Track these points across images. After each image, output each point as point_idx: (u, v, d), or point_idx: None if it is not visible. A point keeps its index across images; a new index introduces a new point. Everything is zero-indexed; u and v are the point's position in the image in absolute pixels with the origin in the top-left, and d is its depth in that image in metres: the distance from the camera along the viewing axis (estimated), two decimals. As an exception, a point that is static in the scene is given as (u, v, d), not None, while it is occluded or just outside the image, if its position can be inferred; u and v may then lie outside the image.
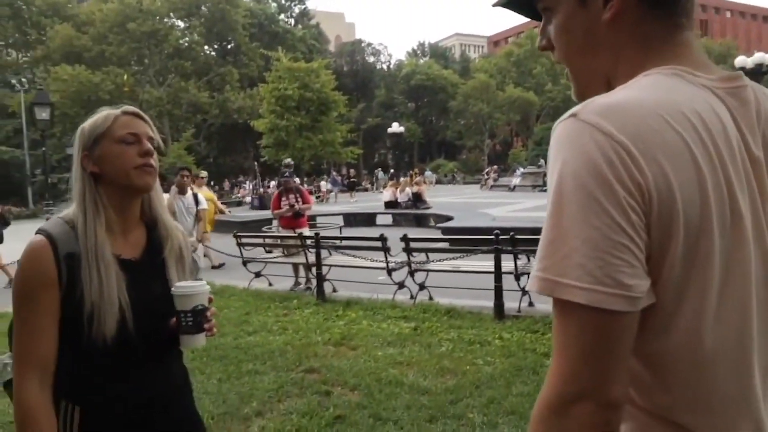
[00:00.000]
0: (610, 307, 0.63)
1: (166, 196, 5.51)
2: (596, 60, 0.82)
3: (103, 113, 1.45)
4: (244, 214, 19.69)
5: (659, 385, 0.71)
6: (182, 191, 8.08)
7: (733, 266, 0.69)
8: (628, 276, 0.64)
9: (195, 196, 8.25)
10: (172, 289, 1.44)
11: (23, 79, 36.23)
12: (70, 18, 37.79)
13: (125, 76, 35.16)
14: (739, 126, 0.72)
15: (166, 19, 38.15)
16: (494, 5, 0.93)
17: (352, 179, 32.62)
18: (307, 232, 8.08)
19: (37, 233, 1.35)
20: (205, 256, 9.62)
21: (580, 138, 0.67)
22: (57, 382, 1.33)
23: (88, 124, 1.44)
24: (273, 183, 36.00)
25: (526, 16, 0.95)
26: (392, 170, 30.86)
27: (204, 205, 8.51)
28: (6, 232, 9.36)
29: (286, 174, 8.53)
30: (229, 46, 43.50)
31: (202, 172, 12.34)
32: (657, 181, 0.65)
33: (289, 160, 11.58)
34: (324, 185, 31.76)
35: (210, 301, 1.45)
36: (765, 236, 0.71)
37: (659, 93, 0.70)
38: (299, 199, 8.20)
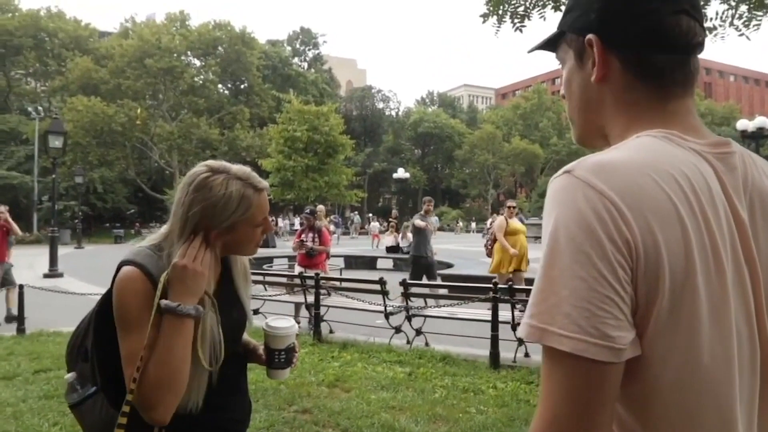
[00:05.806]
0: (594, 356, 0.66)
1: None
2: (592, 116, 0.89)
3: (240, 193, 1.35)
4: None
5: None
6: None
7: (718, 322, 0.70)
8: (612, 328, 0.66)
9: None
10: (268, 329, 1.51)
11: (39, 108, 36.97)
12: (91, 51, 39.02)
13: (139, 110, 35.93)
14: (726, 189, 0.75)
15: (183, 57, 39.25)
16: (529, 51, 1.01)
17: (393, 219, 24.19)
18: (323, 274, 7.93)
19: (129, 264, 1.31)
20: None
21: (573, 193, 0.70)
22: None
23: (220, 202, 1.33)
24: (281, 221, 36.02)
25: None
26: (391, 217, 24.37)
27: None
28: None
29: (308, 211, 8.60)
30: (242, 86, 44.52)
31: (509, 201, 9.54)
32: (644, 237, 0.67)
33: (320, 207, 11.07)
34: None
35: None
36: (748, 294, 0.73)
37: (648, 154, 0.74)
38: (315, 239, 8.20)
